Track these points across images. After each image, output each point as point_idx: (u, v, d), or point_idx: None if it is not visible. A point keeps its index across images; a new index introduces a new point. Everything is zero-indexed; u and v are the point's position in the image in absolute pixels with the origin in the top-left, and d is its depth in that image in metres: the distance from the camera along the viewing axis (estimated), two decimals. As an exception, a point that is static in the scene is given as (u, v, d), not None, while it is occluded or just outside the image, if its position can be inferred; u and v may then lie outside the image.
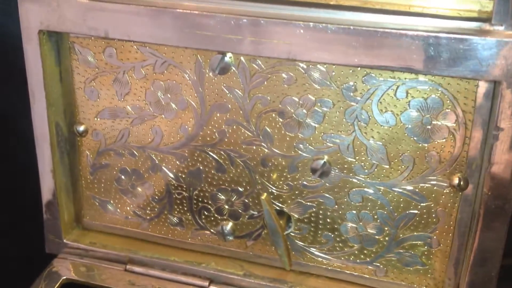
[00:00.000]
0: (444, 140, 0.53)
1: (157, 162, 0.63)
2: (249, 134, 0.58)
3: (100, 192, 0.66)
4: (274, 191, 0.60)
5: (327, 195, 0.59)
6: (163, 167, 0.63)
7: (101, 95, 0.61)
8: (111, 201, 0.66)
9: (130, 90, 0.59)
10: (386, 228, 0.58)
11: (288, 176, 0.59)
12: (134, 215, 0.66)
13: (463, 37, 0.47)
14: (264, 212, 0.59)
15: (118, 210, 0.67)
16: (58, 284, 0.64)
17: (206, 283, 0.64)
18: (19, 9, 0.56)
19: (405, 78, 0.52)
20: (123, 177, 0.64)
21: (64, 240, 0.67)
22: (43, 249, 0.68)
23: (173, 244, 0.66)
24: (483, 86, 0.50)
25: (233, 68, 0.56)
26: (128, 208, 0.66)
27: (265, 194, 0.59)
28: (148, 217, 0.66)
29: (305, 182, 0.59)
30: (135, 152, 0.63)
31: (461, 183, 0.53)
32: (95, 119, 0.62)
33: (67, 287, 0.64)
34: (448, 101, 0.51)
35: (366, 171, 0.56)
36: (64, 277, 0.65)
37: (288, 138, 0.57)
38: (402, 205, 0.57)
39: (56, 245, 0.68)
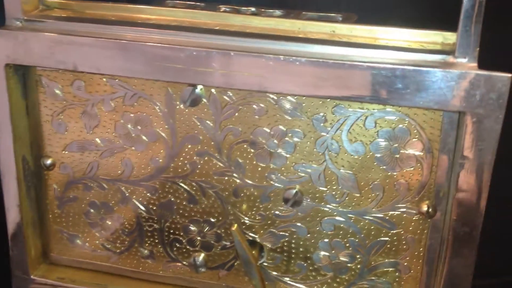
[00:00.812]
0: (412, 168, 0.54)
1: (127, 194, 0.62)
2: (221, 165, 0.58)
3: (68, 226, 0.65)
4: (247, 221, 0.60)
5: (299, 224, 0.59)
6: (133, 199, 0.62)
7: (69, 128, 0.60)
8: (80, 235, 0.65)
9: (99, 122, 0.59)
10: (358, 256, 0.59)
11: (261, 206, 0.59)
12: (104, 249, 0.65)
13: (428, 69, 0.48)
14: (235, 243, 0.59)
15: (87, 244, 0.65)
16: (25, 323, 0.62)
17: (178, 317, 0.63)
18: (-16, 42, 0.56)
19: (374, 109, 0.53)
20: (92, 210, 0.63)
21: (31, 276, 0.65)
22: (9, 286, 0.66)
23: (144, 277, 0.65)
24: (448, 116, 0.51)
25: (204, 100, 0.56)
26: (97, 241, 0.65)
27: (236, 225, 0.59)
28: (118, 250, 0.65)
29: (277, 212, 0.59)
30: (104, 185, 0.62)
31: (430, 210, 0.55)
32: (63, 152, 0.61)
33: (35, 326, 0.63)
34: (415, 131, 0.53)
35: (338, 199, 0.57)
36: (31, 316, 0.63)
37: (259, 169, 0.58)
38: (373, 232, 0.58)
39: (23, 281, 0.66)
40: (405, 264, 0.58)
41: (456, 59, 0.49)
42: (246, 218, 0.60)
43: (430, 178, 0.54)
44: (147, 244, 0.64)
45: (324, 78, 0.50)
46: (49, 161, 0.62)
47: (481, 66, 0.49)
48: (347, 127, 0.54)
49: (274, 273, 0.62)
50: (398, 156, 0.54)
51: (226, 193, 0.59)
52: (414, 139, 0.53)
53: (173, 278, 0.65)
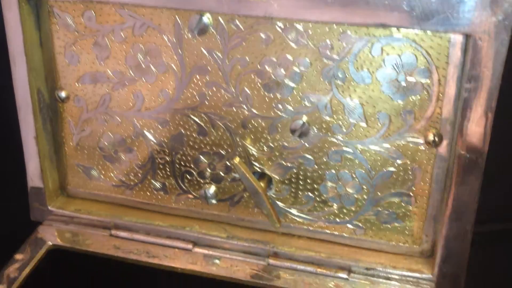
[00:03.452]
0: (418, 96, 0.54)
1: (139, 127, 0.63)
2: (229, 96, 0.59)
3: (83, 159, 0.67)
4: (255, 153, 0.61)
5: (306, 155, 0.60)
6: (145, 132, 0.63)
7: (81, 60, 0.61)
8: (95, 168, 0.67)
9: (110, 54, 0.60)
10: (364, 187, 0.59)
11: (268, 137, 0.60)
12: (118, 182, 0.67)
13: (435, -9, 0.47)
14: (240, 175, 0.60)
15: (102, 176, 0.67)
16: (43, 249, 0.65)
17: (190, 246, 0.65)
18: (-3, -27, 0.57)
19: (380, 35, 0.53)
20: (106, 143, 0.65)
21: (49, 208, 0.68)
22: (28, 217, 0.69)
23: (157, 209, 0.67)
24: (455, 41, 0.51)
25: (212, 30, 0.56)
26: (111, 174, 0.67)
27: (237, 158, 0.60)
28: (132, 183, 0.67)
29: (285, 143, 0.60)
30: (117, 117, 0.63)
31: (436, 139, 0.55)
32: (76, 84, 0.63)
33: (53, 253, 0.65)
34: (422, 57, 0.52)
35: (344, 130, 0.57)
36: (50, 243, 0.65)
37: (267, 99, 0.58)
38: (379, 163, 0.58)
39: (41, 213, 0.68)
40: (411, 195, 0.58)
41: (463, -19, 0.48)
42: (254, 150, 0.61)
43: (437, 106, 0.54)
44: (159, 177, 0.65)
45: (330, 3, 0.50)
46: (63, 94, 0.63)
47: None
48: (353, 55, 0.54)
49: (282, 205, 0.63)
50: (404, 84, 0.54)
51: (235, 124, 0.60)
52: (421, 66, 0.53)
53: (184, 210, 0.66)
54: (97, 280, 0.65)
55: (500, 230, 0.85)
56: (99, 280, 0.65)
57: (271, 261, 0.63)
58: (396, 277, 0.60)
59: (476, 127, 0.51)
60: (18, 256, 0.64)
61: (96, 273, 0.65)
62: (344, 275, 0.61)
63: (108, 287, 0.65)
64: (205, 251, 0.64)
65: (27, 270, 0.62)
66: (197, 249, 0.64)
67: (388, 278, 0.60)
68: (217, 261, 0.63)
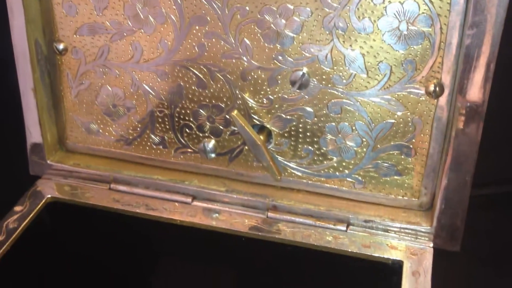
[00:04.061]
0: (420, 46, 0.53)
1: (138, 79, 0.63)
2: (228, 46, 0.58)
3: (82, 113, 0.67)
4: (254, 106, 0.61)
5: (306, 107, 0.59)
6: (144, 85, 0.63)
7: (79, 11, 0.60)
8: (94, 122, 0.67)
9: (108, 4, 0.59)
10: (364, 139, 0.59)
11: (268, 89, 0.60)
12: (117, 136, 0.67)
13: None
14: (238, 127, 0.60)
15: (101, 131, 0.67)
16: (42, 202, 0.65)
17: (189, 200, 0.65)
18: None
19: (382, -18, 0.52)
20: (104, 96, 0.65)
21: (48, 162, 0.68)
22: (27, 172, 0.69)
23: (156, 164, 0.67)
24: (458, -13, 0.50)
25: (211, -22, 0.56)
26: (110, 128, 0.67)
27: (236, 110, 0.59)
28: (130, 137, 0.66)
29: (285, 95, 0.59)
30: (115, 70, 0.63)
31: (437, 89, 0.54)
32: (74, 36, 0.62)
33: (52, 206, 0.65)
34: (424, 5, 0.52)
35: (344, 81, 0.57)
36: (49, 196, 0.66)
37: (267, 50, 0.58)
38: (379, 115, 0.58)
39: (40, 167, 0.68)
40: (411, 147, 0.58)
41: None
42: (254, 103, 0.61)
43: (438, 55, 0.53)
44: (158, 131, 0.65)
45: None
46: (61, 46, 0.63)
47: None
48: (355, 3, 0.53)
49: (281, 158, 0.63)
50: (406, 33, 0.53)
51: (234, 76, 0.60)
52: (422, 14, 0.52)
53: (183, 165, 0.66)
54: (96, 232, 0.65)
55: (501, 193, 0.85)
56: (98, 232, 0.65)
57: (270, 214, 0.63)
58: (395, 229, 0.60)
59: (478, 75, 0.51)
60: (17, 208, 0.64)
61: (95, 225, 0.65)
62: (342, 228, 0.61)
63: (107, 239, 0.66)
64: (204, 205, 0.64)
65: (26, 222, 0.62)
66: (196, 203, 0.65)
67: (387, 231, 0.60)
68: (216, 214, 0.64)
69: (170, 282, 0.64)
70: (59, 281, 0.67)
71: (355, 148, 0.60)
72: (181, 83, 0.62)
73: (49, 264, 0.66)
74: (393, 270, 0.58)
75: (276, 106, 0.60)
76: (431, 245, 0.59)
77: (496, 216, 0.80)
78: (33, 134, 0.66)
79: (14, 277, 0.61)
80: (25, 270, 0.62)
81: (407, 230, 0.60)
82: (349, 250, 0.59)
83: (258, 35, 0.57)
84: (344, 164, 0.61)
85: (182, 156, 0.66)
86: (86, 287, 0.69)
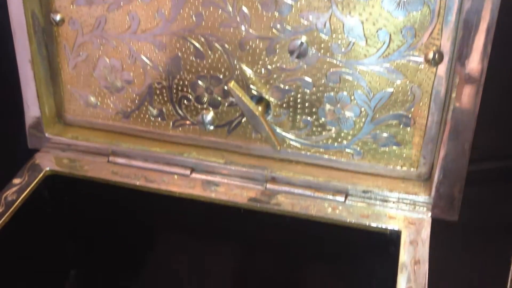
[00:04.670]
0: (419, 12, 0.53)
1: (135, 50, 0.62)
2: (226, 15, 0.58)
3: (80, 86, 0.66)
4: (252, 76, 0.60)
5: (305, 77, 0.59)
6: (141, 56, 0.62)
7: (76, -20, 0.60)
8: (92, 95, 0.66)
9: (105, -28, 0.59)
10: (362, 109, 0.59)
11: (266, 59, 0.59)
12: (115, 108, 0.66)
13: None
14: (235, 99, 0.59)
15: (99, 103, 0.67)
16: (41, 175, 0.65)
17: (187, 172, 0.65)
18: None
19: None
20: (102, 68, 0.64)
21: (46, 135, 0.68)
22: (25, 146, 0.69)
23: (154, 136, 0.67)
24: (458, -49, 0.50)
25: None
26: (108, 101, 0.66)
27: (233, 81, 0.59)
28: (129, 110, 0.66)
29: (283, 65, 0.59)
30: (113, 41, 0.62)
31: (436, 56, 0.54)
32: (71, 6, 0.62)
33: (50, 178, 0.65)
34: (423, -31, 0.51)
35: (343, 50, 0.57)
36: (47, 169, 0.65)
37: (265, 19, 0.57)
38: (378, 84, 0.57)
39: (39, 140, 0.68)
40: (410, 116, 0.58)
41: None
42: (252, 73, 0.60)
43: (437, 22, 0.53)
44: (156, 103, 0.65)
45: None
46: (58, 17, 0.62)
47: None
48: (354, -31, 0.53)
49: (279, 130, 0.63)
50: (405, -1, 0.53)
51: (232, 46, 0.59)
52: (422, -20, 0.52)
53: (182, 138, 0.66)
54: (94, 204, 0.65)
55: (499, 168, 0.85)
56: (97, 204, 0.65)
57: (269, 185, 0.63)
58: (393, 199, 0.60)
59: (477, 41, 0.51)
60: (16, 181, 0.64)
61: (93, 198, 0.65)
62: (341, 198, 0.61)
63: (106, 211, 0.66)
64: (203, 177, 0.64)
65: (25, 194, 0.62)
66: (195, 175, 0.64)
67: (385, 201, 0.60)
68: (215, 186, 0.63)
69: (169, 254, 0.65)
70: (58, 252, 0.68)
71: (354, 119, 0.60)
72: (179, 54, 0.61)
73: (48, 236, 0.66)
74: (391, 239, 0.58)
75: (275, 76, 0.60)
76: (430, 214, 0.59)
77: (493, 190, 0.81)
78: (31, 107, 0.66)
79: (12, 249, 0.61)
80: (23, 242, 0.62)
81: (405, 200, 0.60)
82: (348, 221, 0.59)
83: (256, 3, 0.56)
84: (342, 134, 0.61)
85: (180, 129, 0.66)
86: (84, 259, 0.70)
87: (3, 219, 0.60)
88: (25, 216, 0.62)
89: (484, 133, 0.63)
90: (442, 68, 0.55)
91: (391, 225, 0.58)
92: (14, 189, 0.63)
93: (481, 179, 0.81)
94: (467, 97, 0.53)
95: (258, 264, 0.65)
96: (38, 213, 0.64)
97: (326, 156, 0.63)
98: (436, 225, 0.59)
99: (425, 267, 0.54)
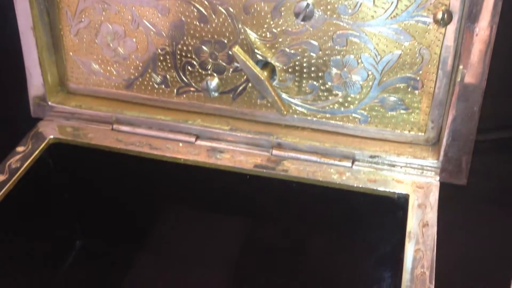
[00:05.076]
0: (428, -30, 0.52)
1: (138, 15, 0.61)
2: (230, -23, 0.57)
3: (82, 53, 0.65)
4: (257, 41, 0.59)
5: (311, 41, 0.58)
6: (144, 21, 0.61)
7: None
8: (94, 62, 0.65)
9: None
10: (370, 73, 0.58)
11: (271, 22, 0.58)
12: (119, 76, 0.66)
13: None
14: (240, 63, 0.58)
15: (102, 71, 0.66)
16: (45, 143, 0.64)
17: (192, 139, 0.64)
18: None
19: None
20: (104, 34, 0.63)
21: (49, 103, 0.67)
22: (27, 115, 0.68)
23: (158, 104, 0.66)
24: None
25: None
26: (111, 68, 0.65)
27: (237, 46, 0.58)
28: (132, 77, 0.65)
29: (288, 28, 0.58)
30: (114, 6, 0.61)
31: (445, 16, 0.53)
32: (73, -30, 0.61)
33: (54, 146, 0.65)
34: None
35: (350, 11, 0.56)
36: (51, 137, 0.65)
37: (270, -20, 0.56)
38: (386, 46, 0.56)
39: (42, 109, 0.67)
40: (418, 79, 0.57)
41: None
42: (257, 37, 0.59)
43: (447, -20, 0.52)
44: (159, 69, 0.64)
45: None
46: (59, -19, 0.61)
47: None
48: None
49: (285, 95, 0.62)
50: (414, -43, 0.52)
51: (237, 9, 0.58)
52: None
53: (187, 105, 0.65)
54: (99, 172, 0.65)
55: (504, 139, 0.85)
56: (101, 172, 0.65)
57: (275, 151, 0.62)
58: (401, 164, 0.60)
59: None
60: (20, 149, 0.63)
61: (98, 165, 0.65)
62: (348, 164, 0.60)
63: (110, 179, 0.65)
64: (208, 144, 0.64)
65: (29, 162, 0.62)
66: (200, 142, 0.64)
67: (393, 166, 0.60)
68: (220, 153, 0.63)
69: (174, 221, 0.64)
70: (62, 220, 0.68)
71: (361, 82, 0.59)
72: (183, 18, 0.60)
73: (52, 204, 0.66)
74: (399, 204, 0.58)
75: (280, 40, 0.59)
76: (438, 178, 0.58)
77: (498, 159, 0.80)
78: (34, 75, 0.65)
79: (16, 216, 0.61)
80: (27, 209, 0.62)
81: (413, 165, 0.59)
82: (355, 186, 0.59)
83: (261, -36, 0.55)
84: (349, 99, 0.60)
85: (185, 95, 0.65)
86: (88, 227, 0.70)
87: (7, 187, 0.59)
88: (29, 184, 0.61)
89: (494, 101, 0.62)
90: (451, 29, 0.54)
91: (399, 190, 0.58)
92: (17, 156, 0.62)
93: (485, 149, 0.80)
94: (477, 57, 0.52)
95: (264, 230, 0.65)
96: (42, 181, 0.63)
97: (332, 121, 0.62)
98: (445, 195, 0.59)
99: (433, 230, 0.53)
